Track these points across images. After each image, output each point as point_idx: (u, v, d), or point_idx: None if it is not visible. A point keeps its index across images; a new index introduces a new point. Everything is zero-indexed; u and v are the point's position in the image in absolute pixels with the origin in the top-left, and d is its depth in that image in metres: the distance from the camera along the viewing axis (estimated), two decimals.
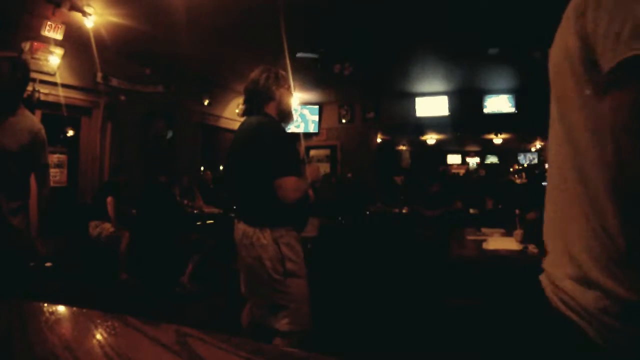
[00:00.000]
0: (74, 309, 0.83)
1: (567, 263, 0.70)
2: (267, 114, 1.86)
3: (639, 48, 0.54)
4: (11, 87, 1.87)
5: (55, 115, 4.58)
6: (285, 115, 1.94)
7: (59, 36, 4.14)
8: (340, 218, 5.51)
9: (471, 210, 5.34)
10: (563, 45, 0.69)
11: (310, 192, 1.86)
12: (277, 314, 1.69)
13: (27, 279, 1.93)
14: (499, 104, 7.27)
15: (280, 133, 1.79)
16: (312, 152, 8.64)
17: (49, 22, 4.00)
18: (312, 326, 1.73)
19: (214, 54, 5.37)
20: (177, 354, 0.63)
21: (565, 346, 0.70)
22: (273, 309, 1.70)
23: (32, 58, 4.17)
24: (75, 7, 3.85)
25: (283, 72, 1.95)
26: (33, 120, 2.01)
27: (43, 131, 2.02)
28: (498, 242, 2.95)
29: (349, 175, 7.50)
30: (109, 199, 4.15)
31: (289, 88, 1.96)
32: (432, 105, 7.56)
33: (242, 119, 1.95)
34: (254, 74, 1.91)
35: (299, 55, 5.08)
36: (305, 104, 8.21)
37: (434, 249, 3.87)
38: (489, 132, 11.32)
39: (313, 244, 4.24)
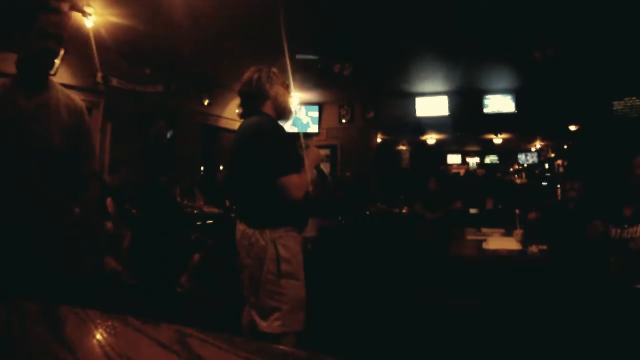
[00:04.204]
0: (75, 309, 0.83)
1: None
2: (265, 113, 1.84)
3: None
4: (49, 48, 1.36)
5: None
6: (283, 112, 1.91)
7: None
8: (340, 218, 5.51)
9: (471, 210, 5.35)
10: None
11: (310, 187, 1.83)
12: (270, 316, 1.66)
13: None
14: (499, 104, 7.26)
15: (278, 132, 1.78)
16: None
17: None
18: (303, 328, 1.71)
19: (214, 54, 5.36)
20: (177, 354, 0.63)
21: None
22: (266, 310, 1.68)
23: None
24: (75, 7, 3.84)
25: (275, 70, 1.90)
26: (69, 95, 1.48)
27: (85, 111, 1.51)
28: (498, 242, 2.96)
29: (347, 174, 7.43)
30: (109, 200, 4.15)
31: (283, 84, 1.92)
32: (432, 105, 7.55)
33: (242, 120, 1.94)
34: (245, 76, 1.88)
35: (298, 56, 5.08)
36: (305, 104, 8.20)
37: (434, 249, 3.87)
38: (489, 132, 11.30)
39: (312, 244, 4.24)
